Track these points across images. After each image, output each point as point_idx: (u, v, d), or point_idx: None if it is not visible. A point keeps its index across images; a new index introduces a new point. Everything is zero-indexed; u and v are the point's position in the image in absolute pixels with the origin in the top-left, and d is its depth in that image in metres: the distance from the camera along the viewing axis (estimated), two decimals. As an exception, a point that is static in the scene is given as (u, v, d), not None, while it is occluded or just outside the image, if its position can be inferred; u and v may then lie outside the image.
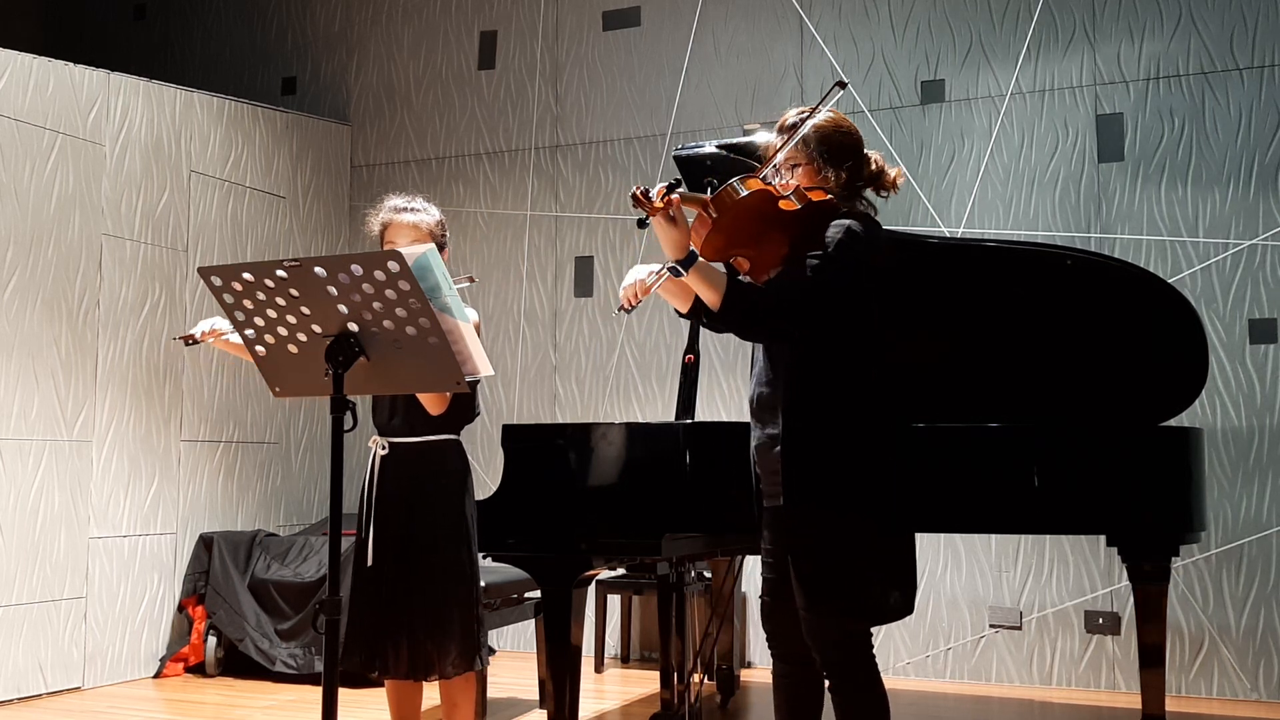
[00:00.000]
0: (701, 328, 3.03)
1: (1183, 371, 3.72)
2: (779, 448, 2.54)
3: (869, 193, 2.67)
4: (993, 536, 5.10)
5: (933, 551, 5.20)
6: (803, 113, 2.60)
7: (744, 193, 2.46)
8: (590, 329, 5.96)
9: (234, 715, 4.50)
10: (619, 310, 2.72)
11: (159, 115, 5.49)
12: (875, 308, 2.58)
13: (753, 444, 2.68)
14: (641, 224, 2.38)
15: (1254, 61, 4.92)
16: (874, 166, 2.64)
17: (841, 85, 2.51)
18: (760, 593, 2.75)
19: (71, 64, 5.13)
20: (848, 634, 2.53)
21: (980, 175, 5.27)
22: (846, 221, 2.51)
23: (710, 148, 3.66)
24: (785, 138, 2.59)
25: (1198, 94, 4.99)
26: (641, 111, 5.96)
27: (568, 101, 6.13)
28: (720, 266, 2.59)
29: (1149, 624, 3.54)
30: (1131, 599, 4.03)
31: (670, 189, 2.38)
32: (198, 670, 5.27)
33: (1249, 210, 4.88)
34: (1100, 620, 4.94)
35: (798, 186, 2.54)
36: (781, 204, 2.50)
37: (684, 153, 3.71)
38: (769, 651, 2.76)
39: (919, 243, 3.90)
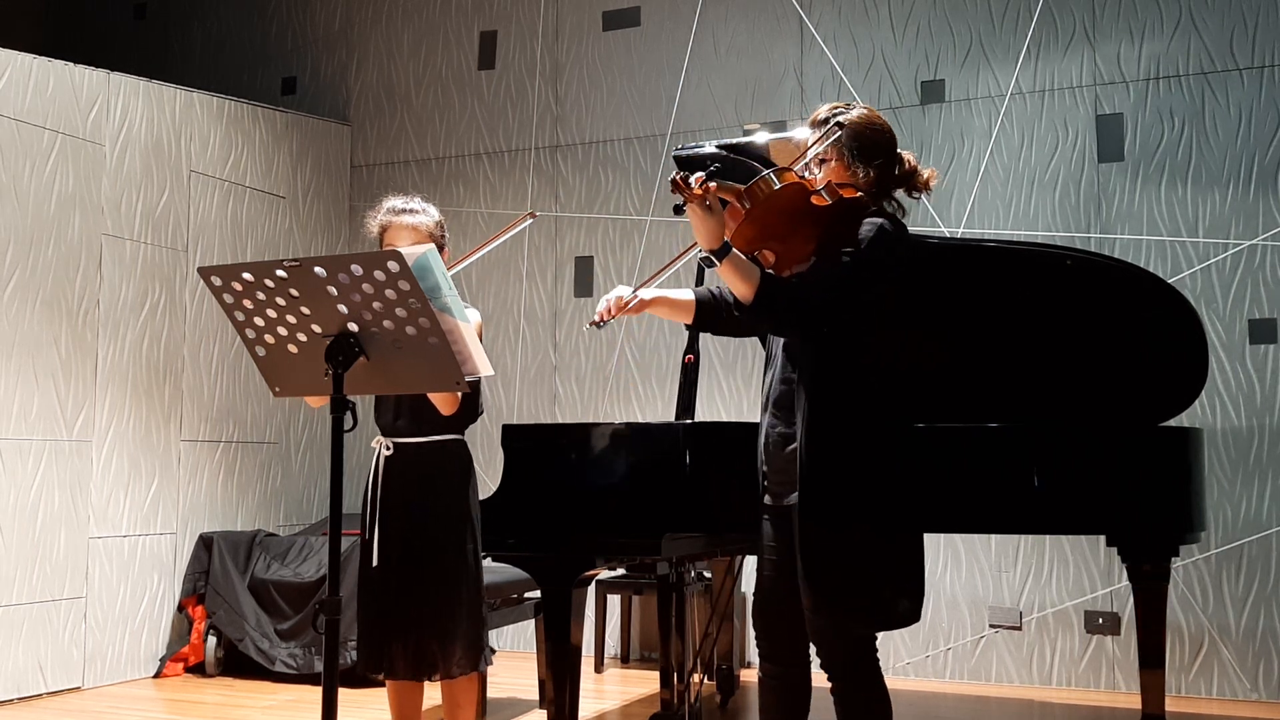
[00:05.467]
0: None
1: (1183, 371, 3.73)
2: (793, 447, 2.51)
3: (900, 194, 2.62)
4: (993, 536, 5.09)
5: (933, 551, 5.19)
6: (836, 108, 2.58)
7: (778, 185, 2.42)
8: (590, 329, 5.95)
9: (234, 715, 4.50)
10: (590, 325, 2.77)
11: (159, 115, 5.49)
12: (890, 309, 2.55)
13: (761, 439, 2.64)
14: (678, 210, 2.38)
15: (1254, 61, 4.92)
16: (906, 166, 2.59)
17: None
18: (754, 590, 2.73)
19: (71, 64, 5.13)
20: (855, 638, 2.53)
21: (980, 175, 5.27)
22: (879, 220, 2.47)
23: (710, 148, 3.66)
24: (818, 132, 2.56)
25: (1198, 94, 4.99)
26: (641, 111, 5.96)
27: (568, 101, 6.13)
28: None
29: (1149, 624, 3.54)
30: (1131, 599, 4.02)
31: (710, 176, 2.36)
32: (197, 670, 5.27)
33: (1249, 210, 4.88)
34: (1100, 620, 4.94)
35: (830, 182, 2.50)
36: (814, 199, 2.45)
37: (684, 153, 3.72)
38: (756, 651, 2.74)
39: (919, 243, 3.89)
